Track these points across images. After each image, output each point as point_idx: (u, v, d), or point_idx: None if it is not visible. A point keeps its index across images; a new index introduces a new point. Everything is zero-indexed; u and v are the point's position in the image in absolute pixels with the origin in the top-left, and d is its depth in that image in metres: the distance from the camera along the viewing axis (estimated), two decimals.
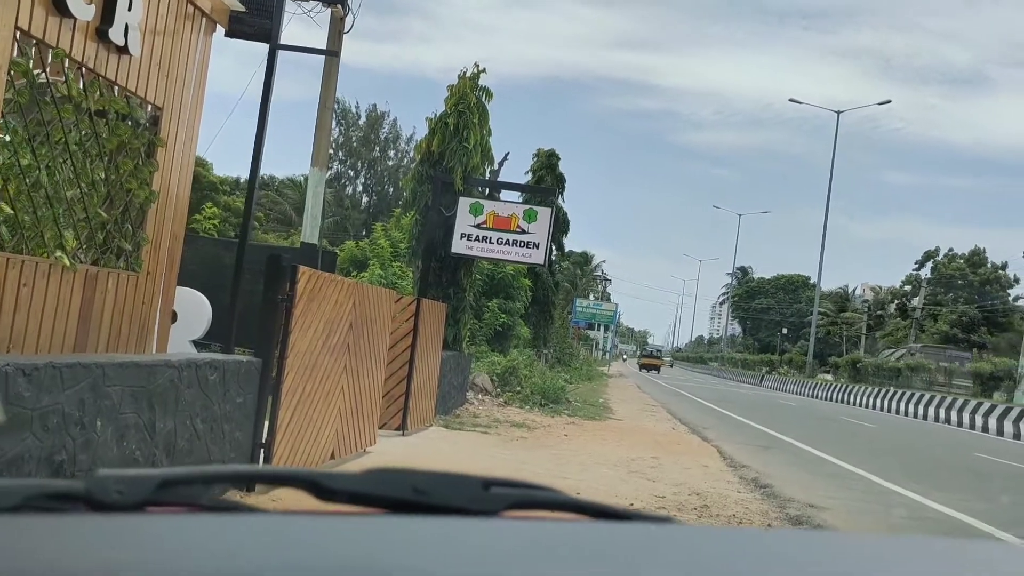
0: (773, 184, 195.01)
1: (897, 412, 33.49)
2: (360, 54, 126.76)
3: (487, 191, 14.61)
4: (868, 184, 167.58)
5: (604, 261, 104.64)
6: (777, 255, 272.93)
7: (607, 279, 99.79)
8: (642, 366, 73.60)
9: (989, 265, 69.53)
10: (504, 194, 14.84)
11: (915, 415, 31.54)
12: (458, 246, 14.10)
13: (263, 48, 10.63)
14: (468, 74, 14.45)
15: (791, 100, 68.27)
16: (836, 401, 41.11)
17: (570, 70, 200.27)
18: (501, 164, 15.11)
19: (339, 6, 15.14)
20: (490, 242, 14.07)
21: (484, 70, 14.47)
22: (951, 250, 72.13)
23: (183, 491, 0.95)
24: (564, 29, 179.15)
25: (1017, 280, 68.79)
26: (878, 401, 36.16)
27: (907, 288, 74.49)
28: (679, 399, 28.47)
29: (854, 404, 38.43)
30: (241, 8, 8.05)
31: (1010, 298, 67.41)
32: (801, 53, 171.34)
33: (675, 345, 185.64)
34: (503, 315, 21.98)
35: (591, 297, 76.88)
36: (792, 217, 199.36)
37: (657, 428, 16.23)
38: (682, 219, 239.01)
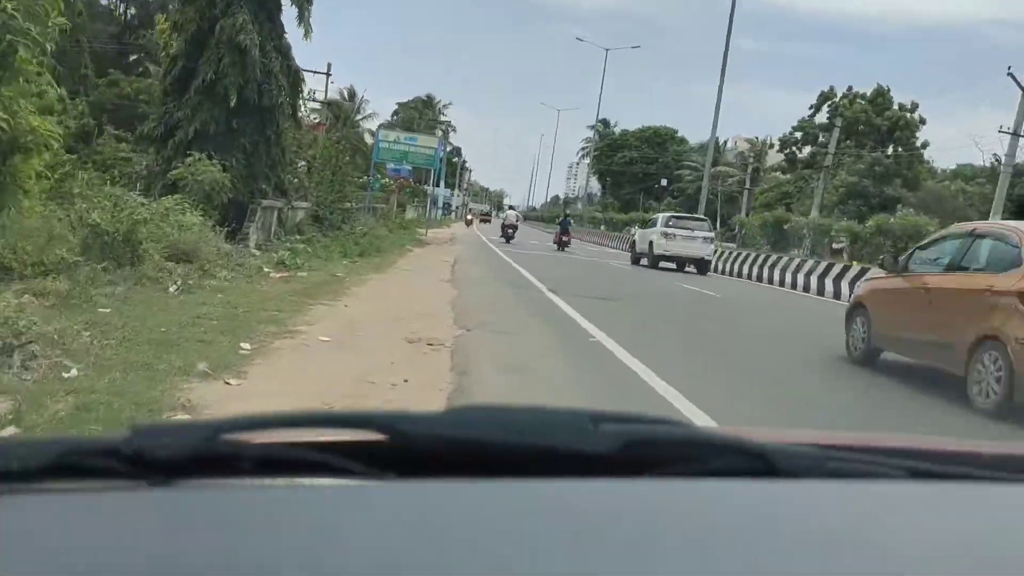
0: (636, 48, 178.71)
1: None
2: None
3: None
4: (721, 50, 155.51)
5: (451, 104, 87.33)
6: (641, 114, 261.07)
7: (451, 127, 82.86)
8: (480, 221, 75.20)
9: (896, 107, 56.95)
10: None
11: None
12: None
13: None
14: None
15: None
16: (782, 284, 26.11)
17: None
18: None
19: None
20: None
21: None
22: (850, 88, 59.01)
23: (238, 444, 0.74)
24: None
25: (924, 121, 56.63)
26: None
27: (797, 135, 61.40)
28: (528, 301, 12.49)
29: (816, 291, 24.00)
30: None
31: (919, 144, 55.27)
32: None
33: (530, 204, 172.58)
34: None
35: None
36: (656, 79, 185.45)
37: None
38: (542, 73, 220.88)
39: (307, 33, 15.99)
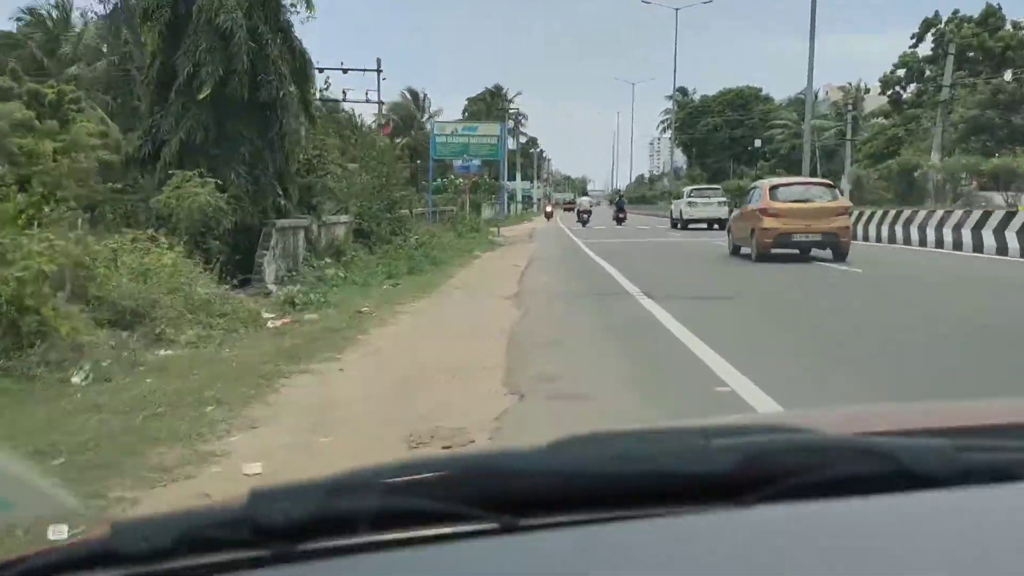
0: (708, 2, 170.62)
1: None
2: None
3: None
4: None
5: (519, 93, 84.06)
6: (719, 77, 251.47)
7: (521, 115, 79.47)
8: (564, 210, 72.16)
9: (1009, 27, 50.70)
10: None
11: None
12: None
13: None
14: None
15: None
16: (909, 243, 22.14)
17: None
18: None
19: None
20: None
21: None
22: (956, 12, 52.95)
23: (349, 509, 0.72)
24: None
25: None
26: None
27: (900, 73, 55.59)
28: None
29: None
30: None
31: None
32: None
33: (615, 187, 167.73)
34: None
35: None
36: (731, 37, 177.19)
37: None
38: (611, 48, 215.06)
39: (309, 5, 12.96)
